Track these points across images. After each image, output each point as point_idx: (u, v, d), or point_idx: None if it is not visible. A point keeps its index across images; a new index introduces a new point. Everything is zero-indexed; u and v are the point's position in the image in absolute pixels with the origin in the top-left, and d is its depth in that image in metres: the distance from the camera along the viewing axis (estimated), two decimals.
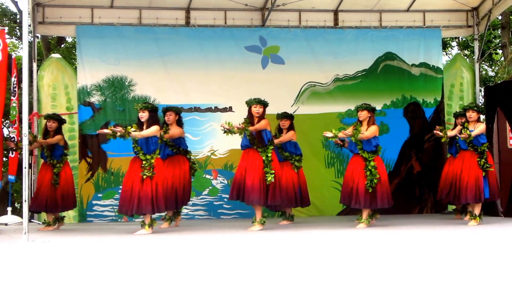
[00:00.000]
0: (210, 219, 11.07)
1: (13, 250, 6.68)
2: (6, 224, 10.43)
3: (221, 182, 11.45)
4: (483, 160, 9.18)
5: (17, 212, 15.66)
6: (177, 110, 9.52)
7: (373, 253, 5.96)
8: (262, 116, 8.78)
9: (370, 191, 8.78)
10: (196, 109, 11.34)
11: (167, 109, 9.47)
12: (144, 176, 8.19)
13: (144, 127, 8.40)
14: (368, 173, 8.81)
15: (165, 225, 9.40)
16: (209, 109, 11.54)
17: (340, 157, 11.72)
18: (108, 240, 7.79)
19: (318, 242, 7.16)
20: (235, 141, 10.96)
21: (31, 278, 4.72)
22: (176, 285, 4.33)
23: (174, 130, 9.30)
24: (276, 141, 9.53)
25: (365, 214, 8.92)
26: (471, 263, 5.17)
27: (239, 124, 8.64)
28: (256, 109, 8.76)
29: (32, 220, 10.36)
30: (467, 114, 9.37)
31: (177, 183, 9.26)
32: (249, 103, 8.84)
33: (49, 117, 9.58)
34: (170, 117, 9.37)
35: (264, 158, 8.65)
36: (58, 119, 9.59)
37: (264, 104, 8.83)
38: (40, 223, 10.53)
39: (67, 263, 5.56)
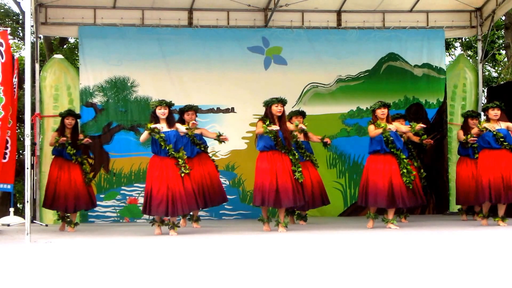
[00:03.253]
0: (212, 220, 11.05)
1: (15, 251, 6.67)
2: (8, 225, 10.42)
3: (223, 183, 11.39)
4: None
5: (19, 213, 15.66)
6: (196, 109, 9.75)
7: (376, 254, 5.95)
8: (283, 115, 8.60)
9: (409, 188, 8.76)
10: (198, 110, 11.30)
11: (189, 108, 9.61)
12: (183, 174, 8.18)
13: (164, 124, 8.26)
14: (404, 170, 8.73)
15: (195, 224, 9.54)
16: (211, 110, 11.53)
17: (341, 158, 11.71)
18: (111, 241, 7.78)
19: (322, 243, 7.15)
20: (237, 142, 11.00)
21: (33, 279, 4.71)
22: (179, 286, 4.32)
23: (202, 131, 9.61)
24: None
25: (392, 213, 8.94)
26: (474, 263, 5.15)
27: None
28: (278, 108, 8.51)
29: (34, 221, 10.34)
30: (493, 112, 9.01)
31: (208, 180, 9.52)
32: (269, 103, 8.58)
33: (69, 114, 9.50)
34: (193, 116, 9.52)
35: (291, 157, 8.54)
36: (76, 116, 9.63)
37: (284, 103, 8.63)
38: (43, 224, 10.52)
39: (69, 264, 5.55)
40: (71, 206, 9.45)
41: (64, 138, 9.33)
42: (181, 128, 8.39)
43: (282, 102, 8.56)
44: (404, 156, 8.82)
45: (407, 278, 4.52)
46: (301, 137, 9.80)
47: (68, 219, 9.56)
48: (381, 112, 8.81)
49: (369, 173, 8.83)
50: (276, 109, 8.50)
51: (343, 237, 7.88)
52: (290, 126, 8.74)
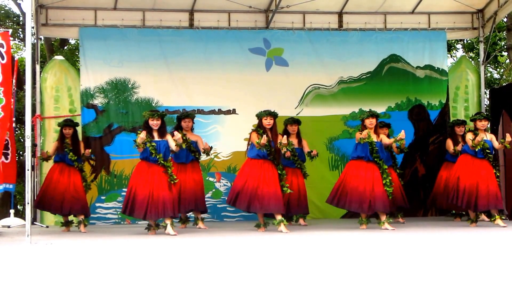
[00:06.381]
0: (213, 222, 11.01)
1: (16, 252, 6.65)
2: (9, 227, 10.39)
3: (224, 185, 11.40)
4: (498, 173, 9.48)
5: (20, 214, 15.63)
6: (193, 117, 9.91)
7: (377, 256, 5.92)
8: (274, 127, 8.99)
9: (390, 197, 9.15)
10: (200, 111, 11.29)
11: (185, 116, 9.76)
12: (172, 182, 8.54)
13: (156, 134, 8.62)
14: (387, 181, 9.09)
15: (182, 226, 9.70)
16: (212, 112, 11.50)
17: (344, 160, 11.66)
18: (111, 242, 7.77)
19: (323, 245, 7.13)
20: (238, 144, 10.96)
21: (34, 280, 4.69)
22: (178, 286, 4.30)
23: (198, 140, 9.68)
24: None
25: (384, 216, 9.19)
26: (476, 265, 5.13)
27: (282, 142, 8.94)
28: (267, 121, 8.97)
29: (34, 223, 10.31)
30: (480, 124, 9.46)
31: (199, 187, 9.65)
32: (260, 115, 9.04)
33: (66, 125, 9.71)
34: (190, 124, 9.74)
35: (279, 172, 9.00)
36: (73, 125, 9.77)
37: (274, 116, 9.04)
38: (43, 225, 10.50)
39: (70, 265, 5.53)
40: (66, 208, 9.60)
41: (45, 153, 9.72)
42: (171, 142, 8.66)
43: (271, 115, 8.99)
44: (386, 167, 9.25)
45: (400, 278, 4.49)
46: (295, 143, 9.85)
47: (70, 222, 9.64)
48: (369, 122, 9.20)
49: (347, 177, 9.23)
50: (265, 122, 8.98)
51: (342, 238, 7.90)
52: (282, 140, 9.03)
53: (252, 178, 8.89)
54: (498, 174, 9.51)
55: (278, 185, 8.88)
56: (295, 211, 10.02)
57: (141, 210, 8.46)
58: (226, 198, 11.17)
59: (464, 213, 10.50)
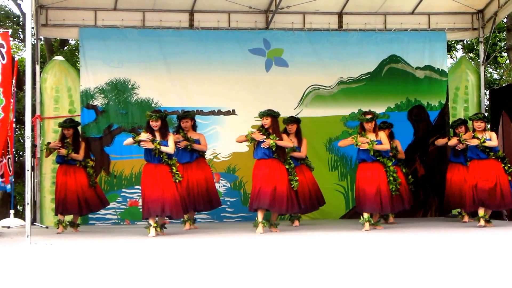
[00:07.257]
0: (213, 222, 11.02)
1: (15, 253, 6.65)
2: (8, 227, 10.40)
3: (223, 186, 11.39)
4: (508, 165, 9.36)
5: (20, 215, 15.63)
6: (192, 116, 9.89)
7: (377, 256, 5.92)
8: (274, 126, 9.01)
9: (395, 194, 9.12)
10: (199, 112, 11.28)
11: (184, 116, 9.75)
12: (177, 181, 8.62)
13: (157, 135, 8.66)
14: (391, 178, 9.05)
15: (187, 226, 9.65)
16: (212, 112, 11.50)
17: (343, 160, 11.67)
18: (111, 242, 7.77)
19: (323, 245, 7.13)
20: (238, 145, 10.94)
21: (34, 281, 4.69)
22: (177, 286, 4.30)
23: (200, 138, 9.71)
24: (295, 154, 9.79)
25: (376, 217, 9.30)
26: (476, 266, 5.13)
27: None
28: (263, 121, 9.03)
29: (34, 223, 10.31)
30: (476, 124, 9.42)
31: (203, 185, 9.65)
32: (260, 116, 9.11)
33: (63, 126, 9.73)
34: (187, 124, 9.72)
35: (287, 166, 9.00)
36: (72, 126, 9.75)
37: (271, 115, 9.04)
38: (43, 226, 10.51)
39: (69, 265, 5.53)
40: (84, 209, 9.73)
41: (55, 144, 9.66)
42: (171, 143, 8.69)
43: (266, 115, 9.04)
44: (390, 164, 9.19)
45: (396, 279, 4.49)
46: (295, 142, 9.86)
47: (66, 223, 9.61)
48: (368, 127, 9.19)
49: (359, 180, 9.21)
50: (262, 122, 9.06)
51: (340, 238, 7.92)
52: (285, 138, 9.13)
53: (260, 178, 8.89)
54: (510, 168, 9.35)
55: (283, 184, 8.85)
56: (311, 208, 10.08)
57: (156, 209, 8.50)
58: (225, 199, 11.26)
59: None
